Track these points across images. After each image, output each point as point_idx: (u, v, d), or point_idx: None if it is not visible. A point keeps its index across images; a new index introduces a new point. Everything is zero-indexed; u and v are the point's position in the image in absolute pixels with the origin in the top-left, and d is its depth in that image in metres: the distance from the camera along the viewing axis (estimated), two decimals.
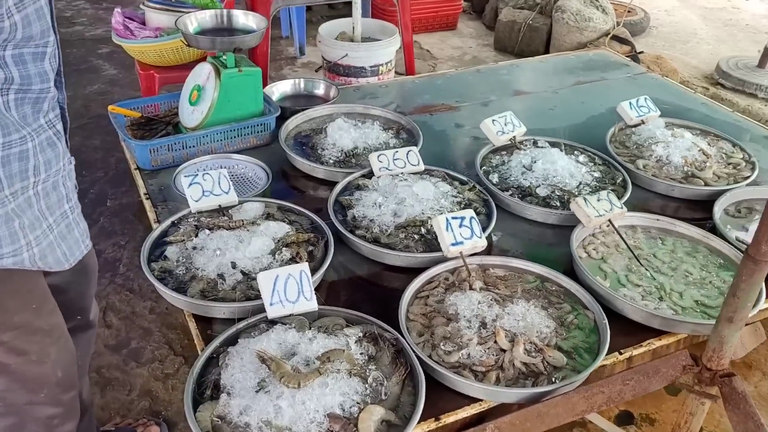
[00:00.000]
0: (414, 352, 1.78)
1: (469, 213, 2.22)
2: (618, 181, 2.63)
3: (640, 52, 5.14)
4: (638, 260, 2.21)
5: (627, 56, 4.55)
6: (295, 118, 3.01)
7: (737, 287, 1.41)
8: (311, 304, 1.90)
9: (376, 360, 1.78)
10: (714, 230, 2.38)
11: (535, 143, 2.86)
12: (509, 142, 2.82)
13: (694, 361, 1.58)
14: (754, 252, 1.34)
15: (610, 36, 5.32)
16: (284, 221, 2.30)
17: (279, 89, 3.36)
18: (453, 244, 2.13)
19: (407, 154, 2.63)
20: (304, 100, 3.37)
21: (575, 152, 2.80)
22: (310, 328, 1.83)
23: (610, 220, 2.31)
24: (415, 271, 2.14)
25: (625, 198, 2.49)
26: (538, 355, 1.82)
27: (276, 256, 2.11)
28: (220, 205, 2.32)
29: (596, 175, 2.65)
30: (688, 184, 2.64)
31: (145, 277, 2.02)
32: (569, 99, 3.54)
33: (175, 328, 2.91)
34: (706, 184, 2.64)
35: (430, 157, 2.72)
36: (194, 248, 2.14)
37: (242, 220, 2.23)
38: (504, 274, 2.17)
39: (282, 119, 2.95)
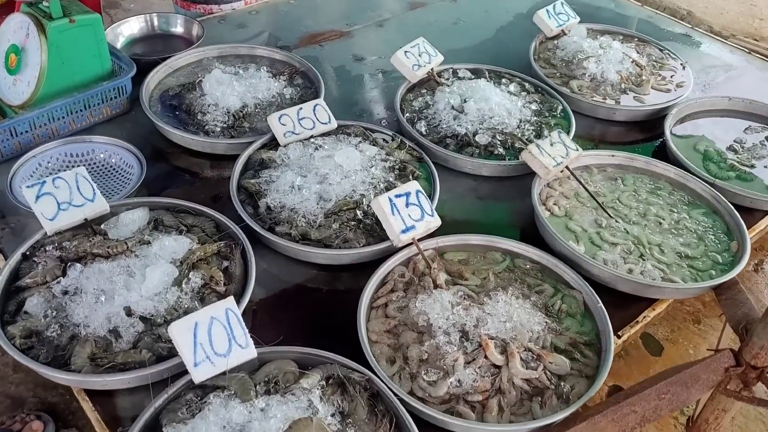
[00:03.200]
0: (394, 393, 1.41)
1: (414, 186, 1.81)
2: (558, 111, 2.30)
3: None
4: (606, 212, 1.93)
5: None
6: (156, 72, 2.35)
7: None
8: (248, 352, 1.44)
9: (349, 416, 1.39)
10: (664, 152, 2.23)
11: (455, 73, 2.44)
12: (426, 75, 2.38)
13: (736, 361, 1.34)
14: None
15: None
16: (180, 230, 1.76)
17: (123, 32, 2.63)
18: (403, 231, 1.72)
19: (314, 109, 2.12)
20: (161, 42, 2.67)
21: (503, 80, 2.41)
22: (255, 390, 1.39)
23: (567, 166, 2.00)
24: (358, 268, 1.75)
25: (572, 133, 2.18)
26: (537, 364, 1.52)
27: (183, 286, 1.60)
28: (86, 219, 1.73)
29: (534, 107, 2.30)
30: (630, 105, 2.37)
31: None
32: (470, 9, 3.11)
33: (55, 387, 2.09)
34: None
35: (335, 105, 2.21)
36: (65, 293, 1.57)
37: (125, 241, 1.67)
38: (465, 256, 1.81)
39: (138, 75, 2.28)
